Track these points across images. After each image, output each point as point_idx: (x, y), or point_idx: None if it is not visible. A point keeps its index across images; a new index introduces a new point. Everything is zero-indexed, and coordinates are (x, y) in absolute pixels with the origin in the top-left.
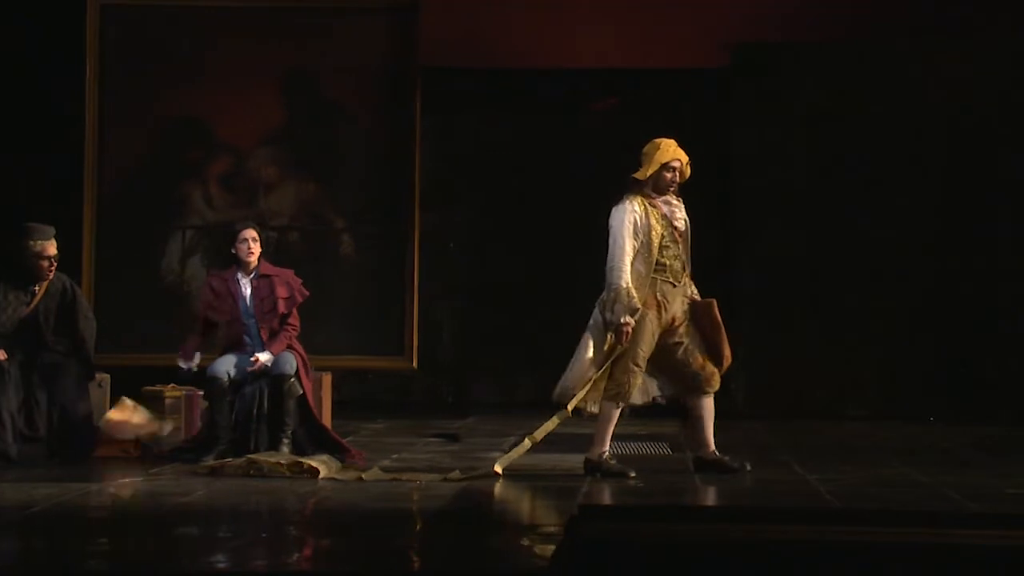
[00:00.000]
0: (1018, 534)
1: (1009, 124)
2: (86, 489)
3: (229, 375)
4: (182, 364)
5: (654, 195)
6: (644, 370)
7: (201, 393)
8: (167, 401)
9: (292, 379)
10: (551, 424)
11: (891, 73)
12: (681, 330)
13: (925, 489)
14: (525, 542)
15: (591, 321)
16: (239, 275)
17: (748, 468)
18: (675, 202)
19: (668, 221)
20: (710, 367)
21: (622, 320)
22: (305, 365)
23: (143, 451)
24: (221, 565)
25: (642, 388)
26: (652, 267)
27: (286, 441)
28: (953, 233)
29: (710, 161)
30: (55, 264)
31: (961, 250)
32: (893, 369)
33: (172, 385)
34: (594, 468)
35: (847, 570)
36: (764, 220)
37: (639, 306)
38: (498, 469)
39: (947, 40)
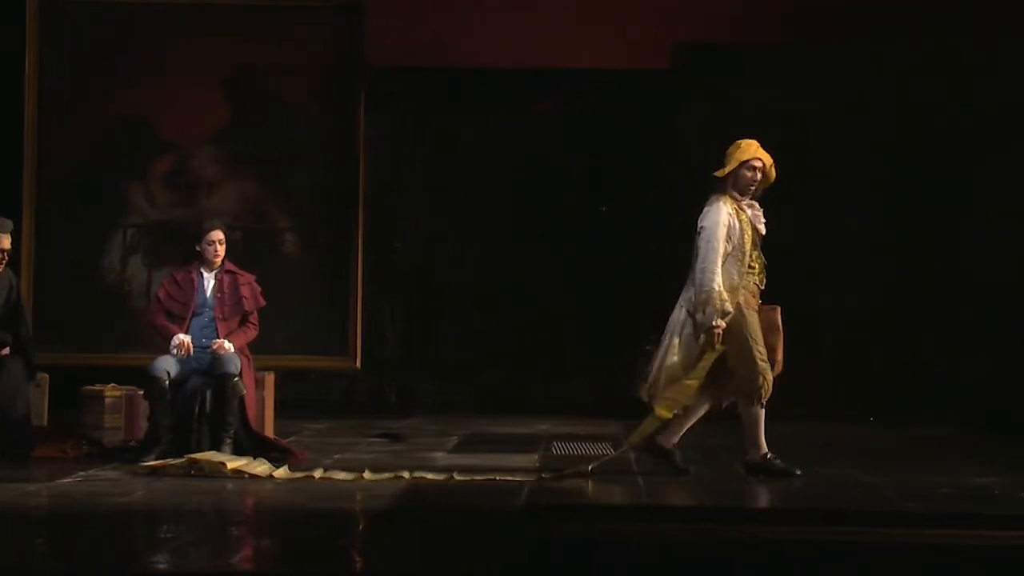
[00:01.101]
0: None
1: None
2: (24, 489)
3: (169, 374)
4: (173, 346)
5: (738, 196)
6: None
7: (142, 393)
8: (107, 401)
9: (237, 378)
10: (647, 428)
11: (861, 73)
12: None
13: (863, 488)
14: (468, 542)
15: (673, 320)
16: (202, 269)
17: (691, 472)
18: (757, 207)
19: (752, 225)
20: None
21: (713, 323)
22: (249, 365)
23: (82, 452)
24: (162, 565)
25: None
26: (744, 270)
27: (228, 441)
28: (904, 237)
29: (664, 159)
30: (6, 259)
31: (913, 252)
32: (838, 370)
33: (112, 385)
34: (758, 469)
35: (792, 568)
36: None
37: (731, 309)
38: (591, 469)
39: (925, 40)
